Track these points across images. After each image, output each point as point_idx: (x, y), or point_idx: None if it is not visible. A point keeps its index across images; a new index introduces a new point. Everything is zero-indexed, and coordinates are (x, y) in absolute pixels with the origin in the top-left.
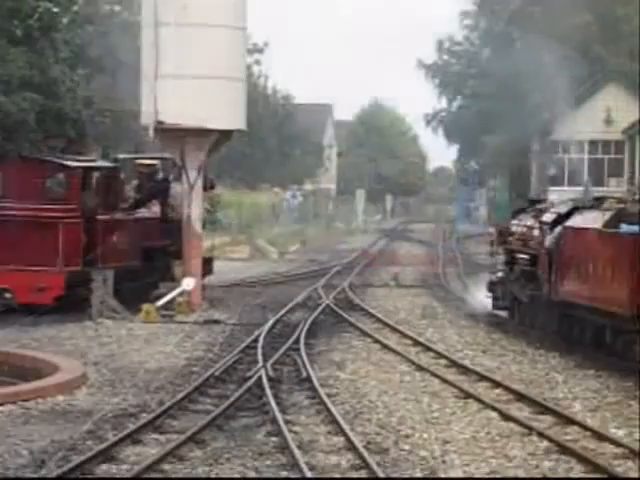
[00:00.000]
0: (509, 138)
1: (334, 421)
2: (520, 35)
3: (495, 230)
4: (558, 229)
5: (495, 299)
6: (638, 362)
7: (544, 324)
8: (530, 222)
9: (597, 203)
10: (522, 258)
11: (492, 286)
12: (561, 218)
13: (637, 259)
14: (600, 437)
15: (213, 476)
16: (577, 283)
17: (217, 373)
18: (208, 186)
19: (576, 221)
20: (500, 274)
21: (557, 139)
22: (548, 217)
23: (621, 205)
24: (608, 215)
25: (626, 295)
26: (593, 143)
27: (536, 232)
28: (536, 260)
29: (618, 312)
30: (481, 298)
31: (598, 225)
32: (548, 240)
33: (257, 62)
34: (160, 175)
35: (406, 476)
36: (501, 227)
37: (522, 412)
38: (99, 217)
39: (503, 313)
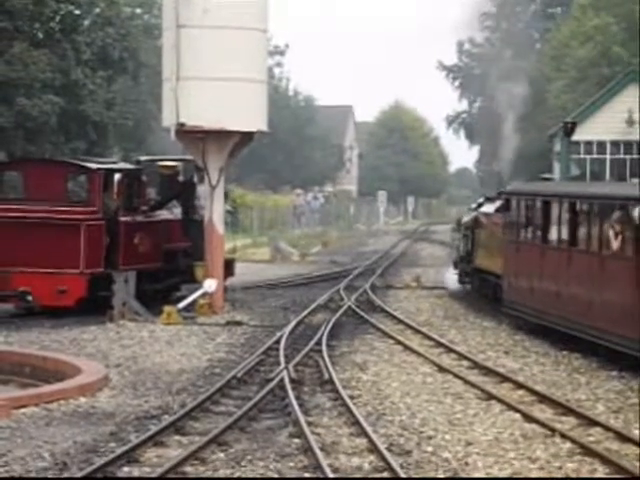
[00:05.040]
0: (530, 139)
1: (356, 423)
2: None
3: (455, 220)
4: (473, 214)
5: (459, 275)
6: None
7: (474, 287)
8: (474, 212)
9: (499, 196)
10: (466, 239)
11: (455, 264)
12: (479, 206)
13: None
14: (623, 438)
15: (235, 477)
16: (482, 254)
17: (239, 375)
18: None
19: (483, 208)
20: (460, 254)
21: (579, 140)
22: (473, 206)
23: None
24: (499, 203)
25: (500, 259)
26: (615, 144)
27: (468, 218)
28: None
29: (498, 272)
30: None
31: (492, 210)
32: (467, 221)
33: (278, 64)
34: (181, 177)
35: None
36: (459, 217)
37: (545, 413)
38: (121, 219)
39: (467, 286)
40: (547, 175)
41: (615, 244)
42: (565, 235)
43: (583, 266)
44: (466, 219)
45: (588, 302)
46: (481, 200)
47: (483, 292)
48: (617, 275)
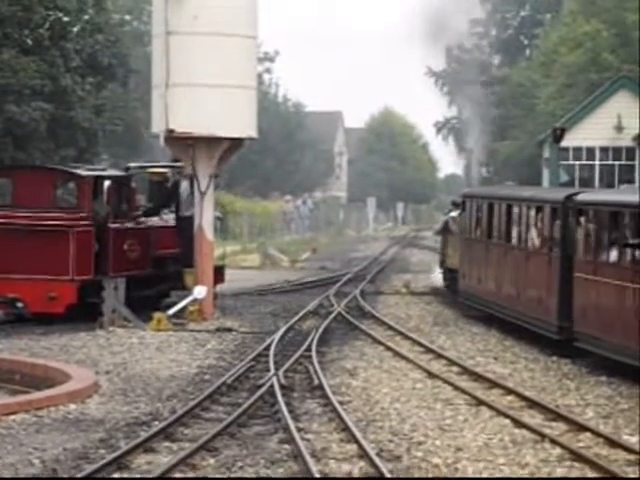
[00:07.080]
0: (520, 145)
1: (346, 429)
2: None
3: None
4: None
5: (444, 274)
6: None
7: (446, 284)
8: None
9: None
10: (441, 242)
11: (441, 264)
12: (449, 211)
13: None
14: (613, 444)
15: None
16: (450, 253)
17: (229, 381)
18: None
19: (452, 213)
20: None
21: (568, 146)
22: (446, 211)
23: None
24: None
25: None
26: (604, 150)
27: (442, 222)
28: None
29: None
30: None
31: (456, 214)
32: (440, 226)
33: (268, 70)
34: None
35: None
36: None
37: (534, 419)
38: (110, 225)
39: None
40: (509, 182)
41: (536, 241)
42: (502, 233)
43: (514, 260)
44: (441, 223)
45: (518, 291)
46: (451, 206)
47: (452, 288)
48: (537, 268)
